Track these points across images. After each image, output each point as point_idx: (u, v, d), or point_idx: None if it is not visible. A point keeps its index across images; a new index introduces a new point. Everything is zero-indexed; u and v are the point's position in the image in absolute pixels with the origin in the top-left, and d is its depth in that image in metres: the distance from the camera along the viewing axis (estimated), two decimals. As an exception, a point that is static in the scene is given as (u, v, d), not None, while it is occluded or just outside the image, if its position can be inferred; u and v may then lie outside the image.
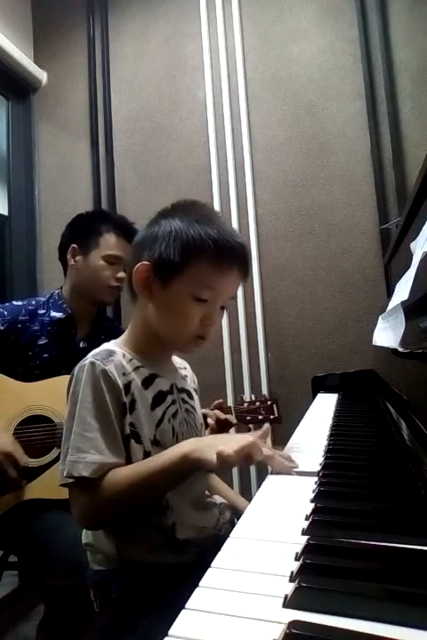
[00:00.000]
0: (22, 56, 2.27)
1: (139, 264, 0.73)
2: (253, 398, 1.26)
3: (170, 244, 0.71)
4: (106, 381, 0.69)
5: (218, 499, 0.86)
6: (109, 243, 1.30)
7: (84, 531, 0.78)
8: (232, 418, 1.09)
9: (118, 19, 2.32)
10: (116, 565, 0.72)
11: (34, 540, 1.11)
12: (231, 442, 0.63)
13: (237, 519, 0.73)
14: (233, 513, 0.83)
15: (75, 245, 1.33)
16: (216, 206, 2.05)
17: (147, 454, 0.71)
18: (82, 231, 1.33)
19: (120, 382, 0.70)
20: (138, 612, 0.68)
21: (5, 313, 1.26)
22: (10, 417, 1.17)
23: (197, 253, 0.70)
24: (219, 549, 0.66)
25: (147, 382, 0.75)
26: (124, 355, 0.74)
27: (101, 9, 2.35)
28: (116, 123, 2.29)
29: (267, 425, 0.80)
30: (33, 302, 1.32)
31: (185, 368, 0.90)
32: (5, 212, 2.35)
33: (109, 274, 1.30)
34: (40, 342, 1.27)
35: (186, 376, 0.87)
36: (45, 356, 1.27)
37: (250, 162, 2.03)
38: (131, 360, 0.74)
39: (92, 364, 0.70)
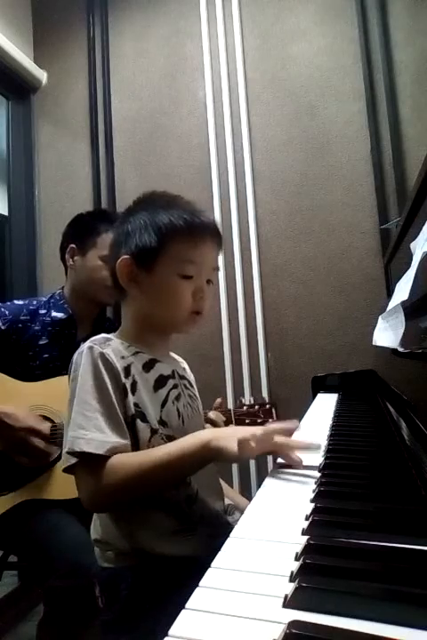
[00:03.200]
0: (22, 56, 2.27)
1: (119, 260, 0.75)
2: (252, 402, 1.27)
3: (143, 233, 0.74)
4: (104, 364, 0.70)
5: (226, 500, 0.86)
6: (107, 242, 1.29)
7: (92, 527, 0.77)
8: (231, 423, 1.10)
9: (118, 19, 2.32)
10: (124, 563, 0.71)
11: (35, 541, 1.11)
12: (252, 432, 0.64)
13: None
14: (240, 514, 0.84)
15: (73, 245, 1.32)
16: (216, 206, 2.05)
17: (154, 432, 0.71)
18: (80, 231, 1.32)
19: (119, 365, 0.71)
20: (147, 610, 0.68)
21: (7, 312, 1.26)
22: None
23: (170, 234, 0.73)
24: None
25: (147, 366, 0.76)
26: (121, 342, 0.76)
27: (101, 9, 2.35)
28: (116, 123, 2.29)
29: (296, 421, 0.79)
30: (34, 302, 1.32)
31: (184, 368, 0.91)
32: (5, 212, 2.35)
33: (107, 274, 1.29)
34: (41, 342, 1.27)
35: (185, 369, 0.89)
36: (46, 356, 1.27)
37: (250, 162, 2.03)
38: (129, 346, 0.76)
39: (91, 348, 0.71)
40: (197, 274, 0.75)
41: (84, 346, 0.72)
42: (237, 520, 0.80)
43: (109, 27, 2.34)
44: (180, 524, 0.71)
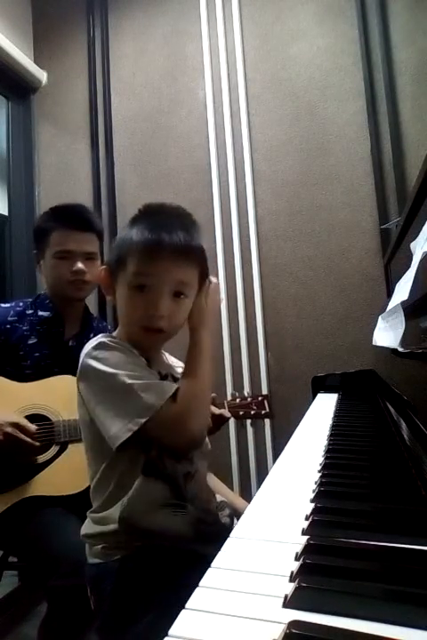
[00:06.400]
0: (22, 56, 2.27)
1: (100, 268, 0.82)
2: (246, 395, 1.31)
3: (115, 246, 0.81)
4: (123, 346, 0.76)
5: (218, 497, 0.87)
6: (56, 239, 1.28)
7: (83, 525, 0.79)
8: (226, 412, 1.12)
9: (118, 19, 2.32)
10: (111, 556, 0.73)
11: (33, 539, 1.11)
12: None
13: (237, 519, 0.74)
14: (232, 511, 0.86)
15: (35, 251, 1.35)
16: (216, 206, 2.05)
17: None
18: (36, 236, 1.33)
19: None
20: (132, 605, 0.70)
21: None
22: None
23: (127, 248, 0.77)
24: (216, 538, 0.69)
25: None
26: (121, 340, 0.80)
27: (101, 9, 2.35)
28: (116, 123, 2.29)
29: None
30: (20, 304, 1.33)
31: (180, 367, 0.91)
32: (5, 212, 2.35)
33: (64, 270, 1.27)
34: (30, 342, 1.28)
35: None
36: (36, 354, 1.27)
37: (250, 162, 2.03)
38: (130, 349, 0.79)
39: (102, 343, 0.76)
40: (151, 286, 0.75)
41: (92, 344, 0.77)
42: (226, 516, 0.81)
43: (109, 27, 2.34)
44: (173, 497, 0.75)
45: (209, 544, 0.74)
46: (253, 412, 1.26)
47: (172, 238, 0.75)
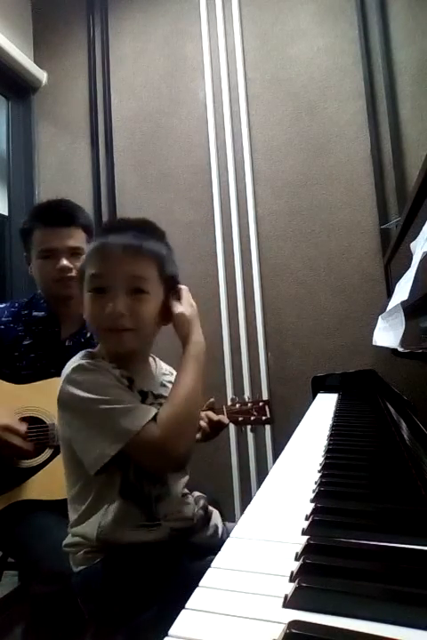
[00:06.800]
0: (22, 56, 2.27)
1: None
2: (246, 399, 1.27)
3: (81, 263, 0.84)
4: (101, 368, 0.76)
5: (195, 493, 0.88)
6: (38, 238, 1.25)
7: (68, 536, 0.80)
8: (224, 418, 1.10)
9: (118, 19, 2.32)
10: (93, 560, 0.74)
11: (19, 544, 1.10)
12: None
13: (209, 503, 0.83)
14: (206, 501, 0.88)
15: (25, 254, 1.33)
16: (216, 206, 2.05)
17: None
18: (22, 237, 1.31)
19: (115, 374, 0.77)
20: (122, 601, 0.71)
21: None
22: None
23: (86, 258, 0.81)
24: (192, 533, 0.79)
25: (128, 382, 0.79)
26: (102, 357, 0.79)
27: (101, 9, 2.35)
28: (116, 123, 2.29)
29: None
30: (16, 304, 1.31)
31: (171, 373, 0.91)
32: (5, 212, 2.35)
33: (49, 268, 1.24)
34: (25, 342, 1.26)
35: (170, 382, 0.87)
36: (32, 355, 1.26)
37: (250, 162, 2.03)
38: (110, 362, 0.79)
39: (81, 366, 0.75)
40: (107, 286, 0.76)
41: (70, 367, 0.76)
42: (200, 508, 0.83)
43: (109, 27, 2.34)
44: (145, 520, 0.76)
45: (188, 539, 0.77)
46: (253, 418, 1.21)
47: (121, 238, 0.78)
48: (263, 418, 1.23)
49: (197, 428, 0.82)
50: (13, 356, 1.25)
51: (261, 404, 1.24)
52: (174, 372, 0.89)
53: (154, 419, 0.72)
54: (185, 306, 0.82)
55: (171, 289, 0.82)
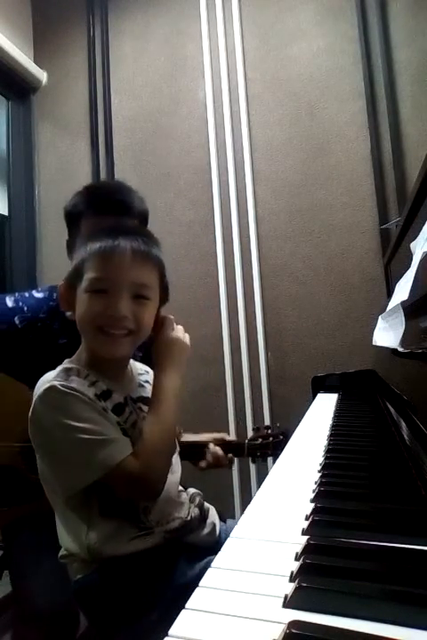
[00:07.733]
0: (22, 56, 2.28)
1: (59, 284, 0.80)
2: (268, 432, 1.22)
3: (74, 261, 0.79)
4: (76, 392, 0.71)
5: (190, 490, 0.87)
6: (90, 223, 1.06)
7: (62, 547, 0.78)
8: (224, 459, 1.09)
9: (118, 19, 2.32)
10: (91, 568, 0.73)
11: (15, 575, 1.08)
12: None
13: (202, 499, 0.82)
14: (202, 499, 0.86)
15: (67, 239, 1.16)
16: (216, 206, 2.05)
17: None
18: (68, 222, 1.15)
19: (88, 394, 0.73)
20: (122, 602, 0.71)
21: (25, 308, 1.09)
22: (22, 430, 1.06)
23: (86, 258, 0.76)
24: (188, 532, 0.78)
25: (105, 396, 0.76)
26: (78, 371, 0.75)
27: (101, 9, 2.35)
28: (116, 123, 2.29)
29: None
30: (54, 296, 1.11)
31: (147, 372, 0.90)
32: (5, 212, 2.35)
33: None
34: (60, 342, 1.08)
35: (147, 381, 0.86)
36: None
37: (250, 162, 2.03)
38: (87, 375, 0.76)
39: (54, 388, 0.70)
40: (111, 289, 0.74)
41: (42, 387, 0.71)
42: (197, 505, 0.82)
43: (109, 27, 2.34)
44: (137, 532, 0.73)
45: (184, 539, 0.77)
46: (270, 453, 1.17)
47: (131, 242, 0.76)
48: (279, 453, 1.20)
49: (171, 456, 0.78)
50: (46, 357, 1.00)
51: (281, 437, 1.19)
52: (150, 371, 0.89)
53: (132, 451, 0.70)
54: (181, 334, 0.82)
55: (164, 298, 0.82)
